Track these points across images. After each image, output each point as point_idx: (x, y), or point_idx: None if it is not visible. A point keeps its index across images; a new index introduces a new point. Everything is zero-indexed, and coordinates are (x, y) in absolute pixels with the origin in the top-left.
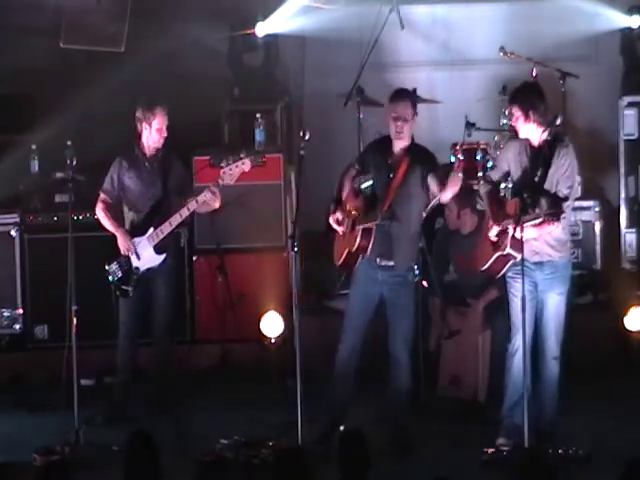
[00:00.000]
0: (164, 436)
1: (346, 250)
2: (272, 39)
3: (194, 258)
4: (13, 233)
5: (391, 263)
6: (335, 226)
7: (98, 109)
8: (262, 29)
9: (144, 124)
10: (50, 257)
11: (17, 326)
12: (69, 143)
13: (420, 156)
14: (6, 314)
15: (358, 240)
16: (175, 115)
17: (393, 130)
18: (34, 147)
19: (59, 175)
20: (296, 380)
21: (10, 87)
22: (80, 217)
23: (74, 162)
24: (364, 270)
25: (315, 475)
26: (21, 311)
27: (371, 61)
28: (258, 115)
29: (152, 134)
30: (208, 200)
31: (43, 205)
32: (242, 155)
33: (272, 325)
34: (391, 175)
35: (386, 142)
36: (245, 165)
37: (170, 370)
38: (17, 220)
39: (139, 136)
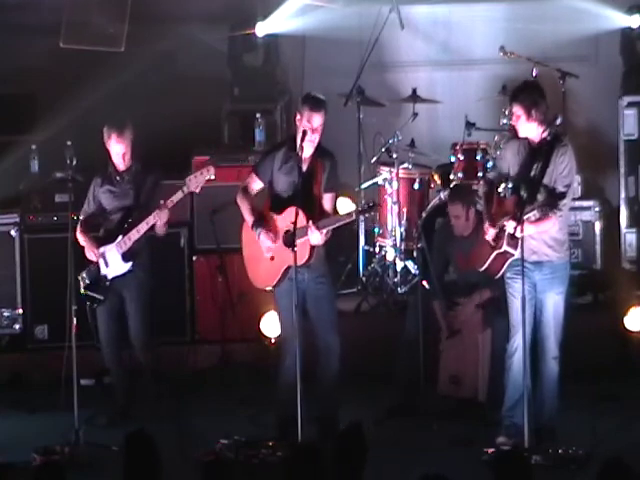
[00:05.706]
0: (164, 436)
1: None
2: (272, 39)
3: (194, 258)
4: (13, 233)
5: None
6: None
7: (98, 109)
8: (262, 29)
9: (108, 146)
10: (50, 257)
11: (17, 326)
12: (69, 143)
13: None
14: (6, 314)
15: None
16: (175, 115)
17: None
18: (34, 147)
19: (59, 175)
20: (296, 380)
21: (10, 87)
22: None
23: (74, 162)
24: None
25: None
26: (21, 311)
27: (371, 61)
28: (258, 115)
29: (114, 157)
30: (158, 219)
31: (43, 205)
32: (209, 162)
33: (272, 325)
34: None
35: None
36: (209, 172)
37: (146, 378)
38: (17, 220)
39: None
